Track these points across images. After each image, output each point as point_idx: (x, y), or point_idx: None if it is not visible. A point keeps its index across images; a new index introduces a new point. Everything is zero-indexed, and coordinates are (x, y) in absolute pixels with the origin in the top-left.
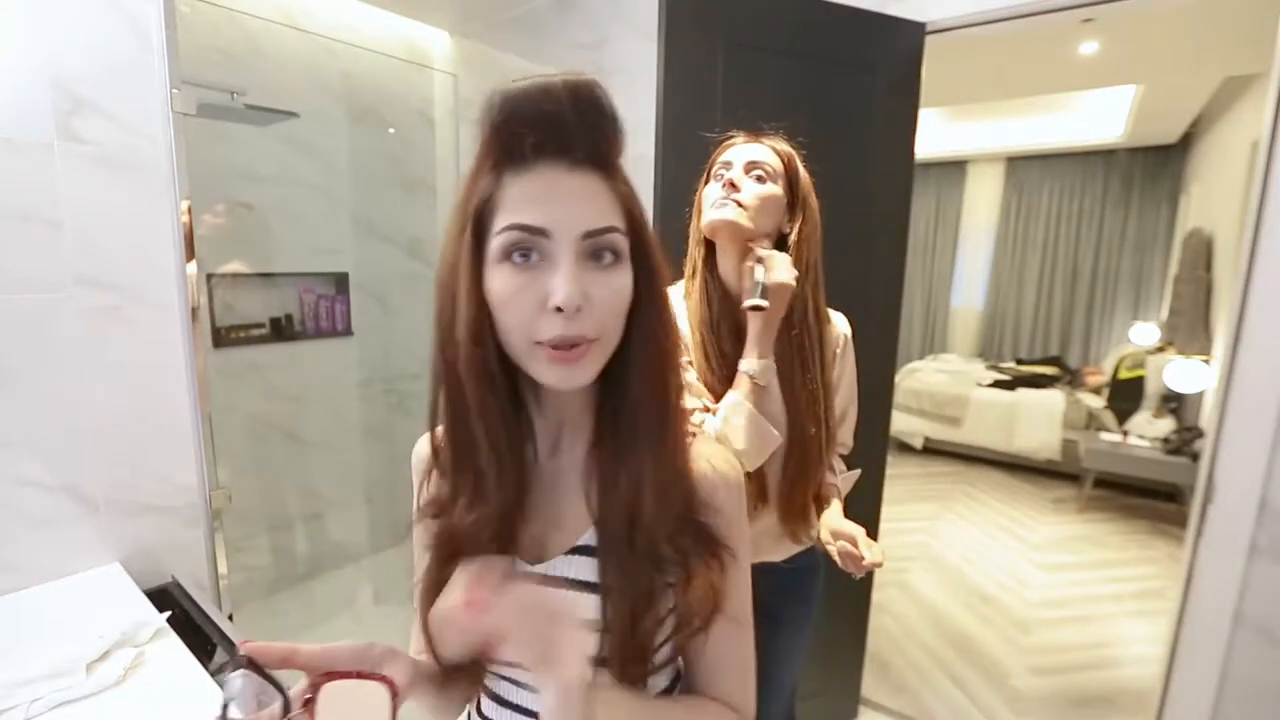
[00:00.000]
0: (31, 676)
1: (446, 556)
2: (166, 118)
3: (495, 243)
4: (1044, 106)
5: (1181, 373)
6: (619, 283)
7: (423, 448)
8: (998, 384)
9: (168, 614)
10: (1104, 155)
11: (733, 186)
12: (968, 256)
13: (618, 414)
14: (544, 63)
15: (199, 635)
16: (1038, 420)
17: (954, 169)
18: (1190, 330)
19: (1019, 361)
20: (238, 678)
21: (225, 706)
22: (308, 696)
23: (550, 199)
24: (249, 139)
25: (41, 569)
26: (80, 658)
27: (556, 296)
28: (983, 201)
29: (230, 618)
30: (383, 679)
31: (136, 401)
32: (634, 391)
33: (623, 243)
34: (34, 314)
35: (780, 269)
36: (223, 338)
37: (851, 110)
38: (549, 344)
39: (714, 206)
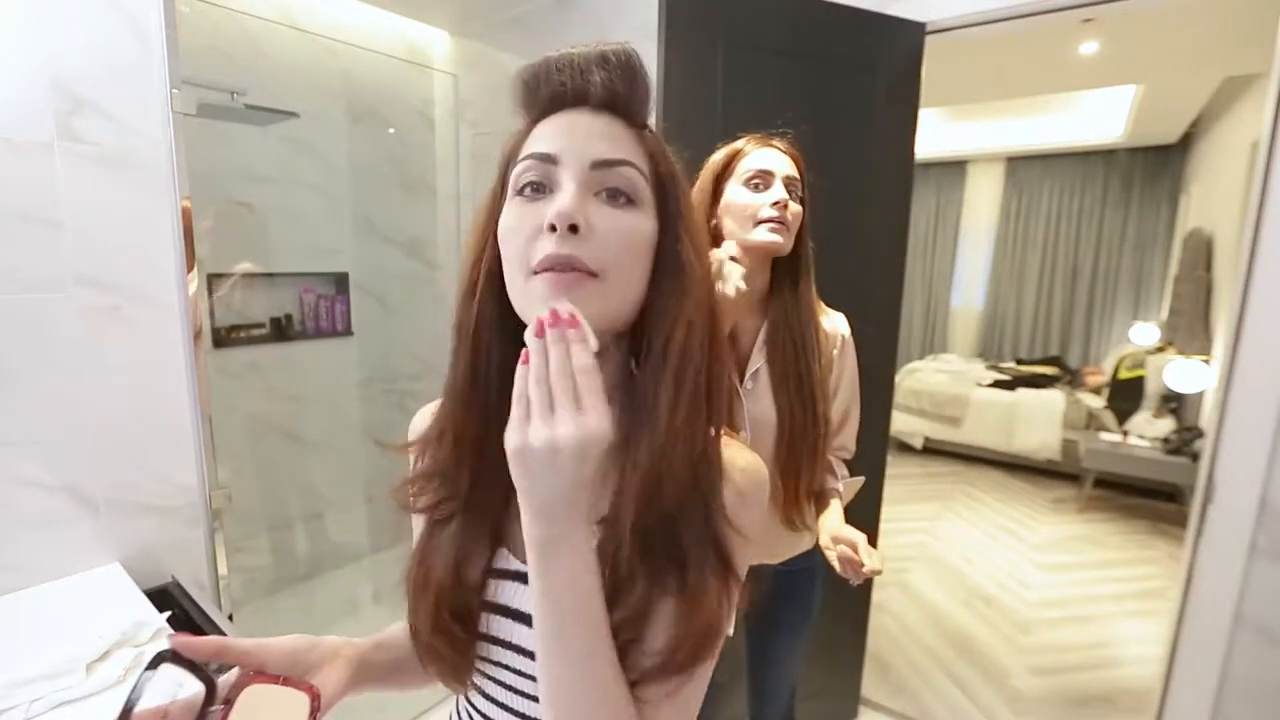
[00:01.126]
0: (31, 676)
1: (440, 520)
2: (166, 118)
3: (511, 180)
4: (1044, 106)
5: (1181, 373)
6: (630, 223)
7: (421, 419)
8: (998, 384)
9: (168, 614)
10: (1104, 155)
11: (785, 206)
12: (968, 256)
13: (636, 389)
14: None
15: (199, 635)
16: (1038, 420)
17: (954, 169)
18: (1190, 330)
19: (1019, 361)
20: (153, 673)
21: (128, 702)
22: (226, 697)
23: (566, 132)
24: (249, 139)
25: (41, 569)
26: (80, 658)
27: (549, 212)
28: (983, 201)
29: (230, 618)
30: (307, 688)
31: (136, 401)
32: (654, 365)
33: (640, 184)
34: (34, 314)
35: (732, 280)
36: (223, 338)
37: (852, 110)
38: (542, 268)
39: (765, 225)
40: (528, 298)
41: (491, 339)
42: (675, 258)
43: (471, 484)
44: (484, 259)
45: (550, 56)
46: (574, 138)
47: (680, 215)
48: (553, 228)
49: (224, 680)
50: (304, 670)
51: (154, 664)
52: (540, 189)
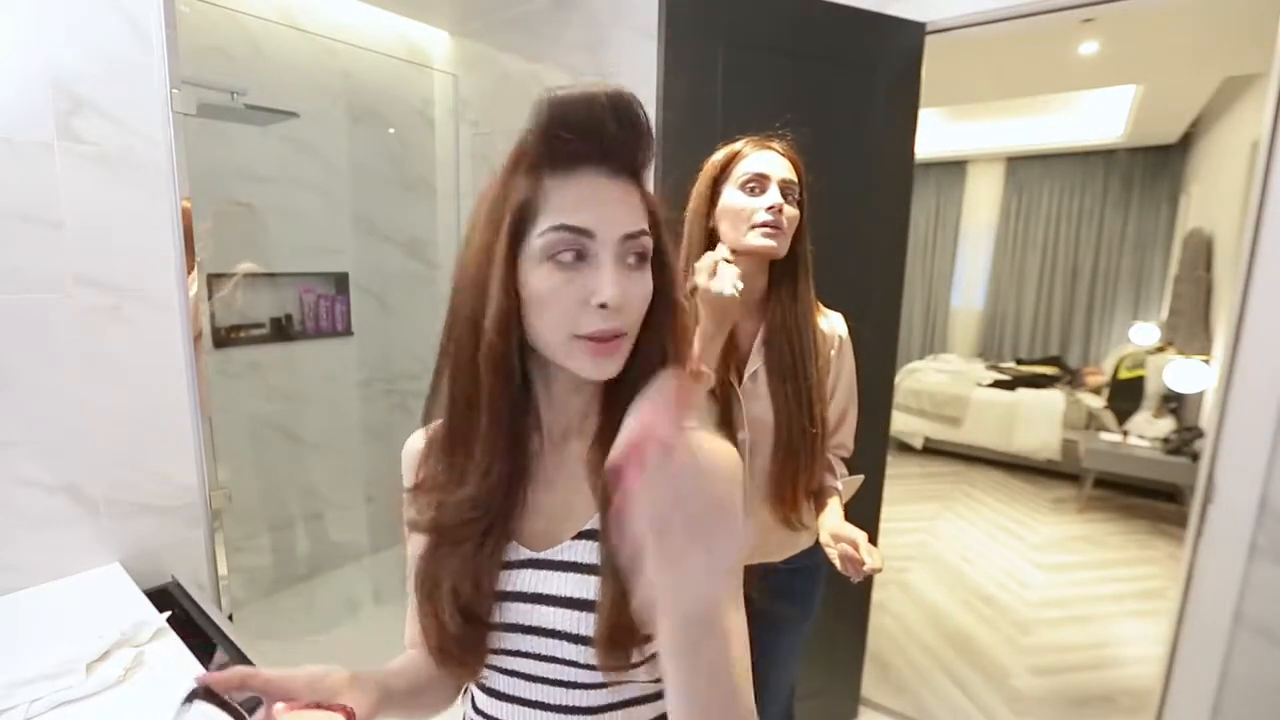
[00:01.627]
0: (31, 676)
1: (439, 540)
2: (166, 118)
3: (538, 243)
4: (1044, 106)
5: (1181, 373)
6: (647, 284)
7: (415, 442)
8: (998, 384)
9: (168, 614)
10: (1104, 155)
11: (780, 211)
12: (968, 256)
13: (624, 404)
14: (544, 63)
15: (199, 635)
16: (1038, 420)
17: (954, 169)
18: (1190, 330)
19: (1019, 361)
20: (188, 709)
21: None
22: None
23: (595, 203)
24: (249, 139)
25: (41, 569)
26: (80, 658)
27: (603, 294)
28: (983, 201)
29: (230, 618)
30: (341, 708)
31: (136, 401)
32: (641, 382)
33: (649, 245)
34: (34, 314)
35: (728, 281)
36: (223, 338)
37: (852, 110)
38: (589, 337)
39: (759, 230)
40: (568, 353)
41: (515, 366)
42: (665, 295)
43: (476, 491)
44: (510, 313)
45: (567, 106)
46: (604, 209)
47: (666, 257)
48: (603, 305)
49: (256, 718)
50: (326, 696)
51: (188, 701)
52: (573, 255)
